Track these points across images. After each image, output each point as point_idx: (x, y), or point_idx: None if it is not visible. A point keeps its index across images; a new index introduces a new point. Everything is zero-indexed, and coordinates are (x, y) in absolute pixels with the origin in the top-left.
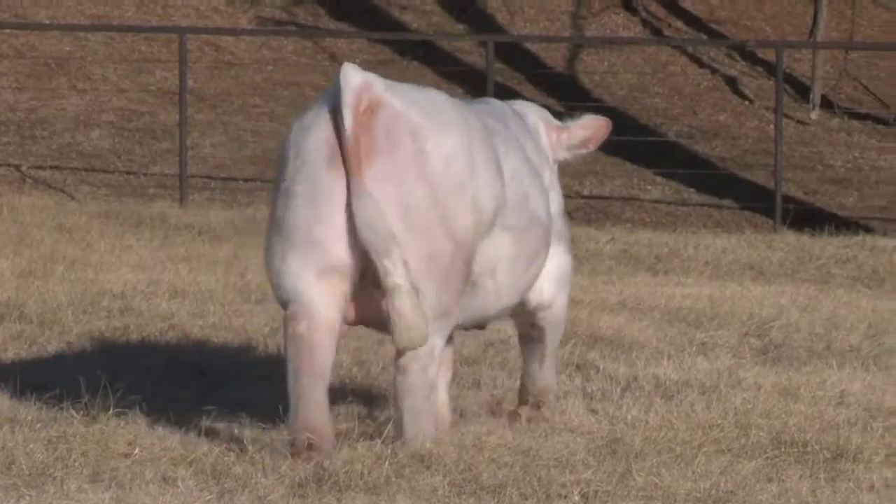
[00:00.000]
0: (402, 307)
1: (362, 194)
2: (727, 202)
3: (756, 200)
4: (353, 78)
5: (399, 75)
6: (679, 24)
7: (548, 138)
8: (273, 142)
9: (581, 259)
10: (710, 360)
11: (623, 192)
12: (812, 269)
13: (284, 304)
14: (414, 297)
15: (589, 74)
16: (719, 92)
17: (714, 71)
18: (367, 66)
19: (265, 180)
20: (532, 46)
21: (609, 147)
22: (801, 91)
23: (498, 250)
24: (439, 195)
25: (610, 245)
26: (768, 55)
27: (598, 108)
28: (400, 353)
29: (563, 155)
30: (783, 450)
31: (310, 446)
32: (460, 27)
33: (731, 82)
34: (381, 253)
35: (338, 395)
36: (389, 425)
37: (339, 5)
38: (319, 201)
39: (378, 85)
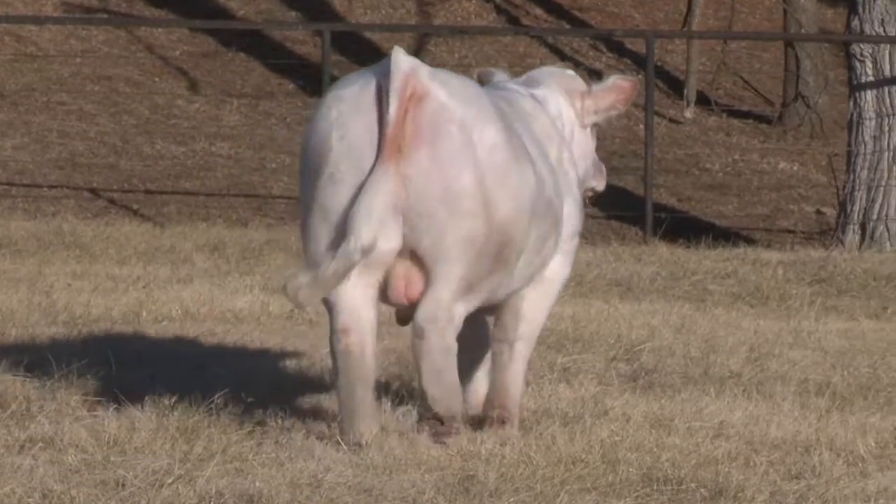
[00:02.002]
0: (329, 286)
1: (384, 178)
2: (591, 211)
3: (624, 209)
4: (403, 64)
5: (224, 68)
6: (538, 11)
7: (572, 108)
8: (82, 144)
9: None
10: (573, 387)
11: None
12: (687, 286)
13: (329, 304)
14: (325, 291)
15: (436, 67)
16: None
17: (578, 64)
18: (189, 58)
19: (72, 187)
20: (373, 36)
21: None
22: (675, 86)
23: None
24: (486, 183)
25: None
26: (638, 46)
27: None
28: (418, 316)
29: (592, 119)
30: (655, 487)
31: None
32: (292, 14)
33: (597, 76)
34: (356, 237)
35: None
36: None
37: None
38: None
39: (423, 73)
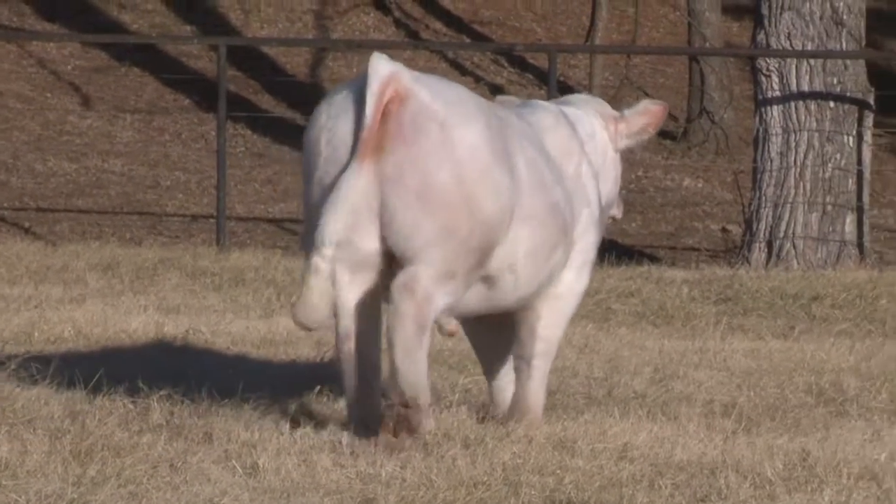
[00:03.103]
0: (313, 286)
1: (357, 175)
2: None
3: None
4: (381, 67)
5: (118, 83)
6: (438, 25)
7: (606, 132)
8: None
9: None
10: (474, 408)
11: None
12: (590, 305)
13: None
14: (328, 284)
15: (334, 82)
16: None
17: (478, 79)
18: (81, 73)
19: None
20: (270, 50)
21: None
22: None
23: (516, 240)
24: (466, 180)
25: None
26: (540, 61)
27: None
28: (393, 284)
29: (625, 143)
30: None
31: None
32: (188, 29)
33: (498, 92)
34: (327, 231)
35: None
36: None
37: (48, 4)
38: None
39: (405, 76)
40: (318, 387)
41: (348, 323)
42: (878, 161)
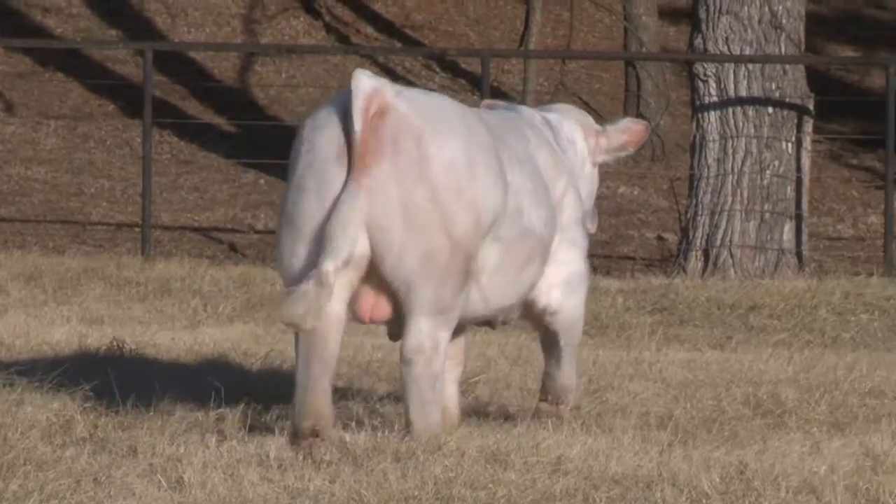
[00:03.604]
0: (313, 291)
1: (354, 193)
2: None
3: None
4: (365, 83)
5: (41, 89)
6: (369, 29)
7: (586, 143)
8: None
9: (254, 304)
10: (396, 421)
11: None
12: None
13: None
14: (328, 293)
15: (263, 88)
16: None
17: (411, 84)
18: (4, 79)
19: None
20: (197, 55)
21: (285, 173)
22: None
23: (484, 258)
24: (439, 197)
25: None
26: (473, 66)
27: (274, 126)
28: (404, 347)
29: (603, 158)
30: None
31: (314, 433)
32: (113, 33)
33: None
34: (333, 248)
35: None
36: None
37: None
38: (327, 196)
39: (388, 91)
40: (246, 398)
41: (320, 322)
42: (818, 168)
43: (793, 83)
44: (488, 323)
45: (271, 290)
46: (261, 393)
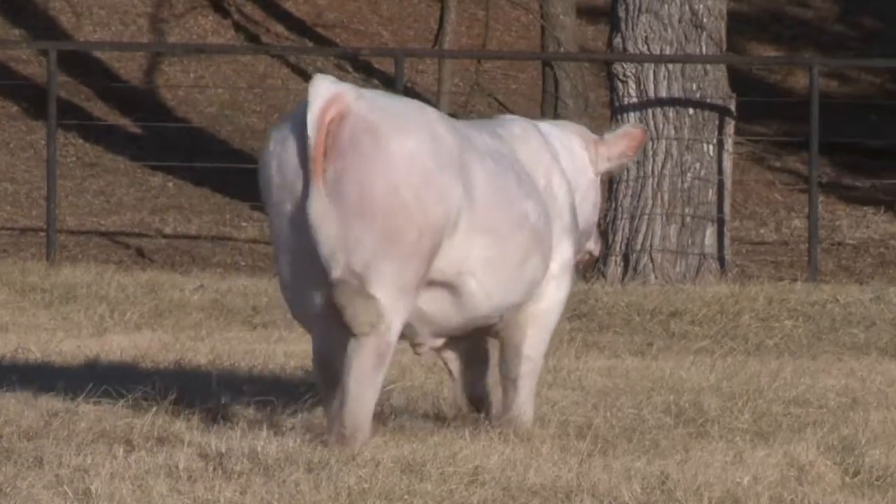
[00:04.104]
0: (350, 301)
1: (317, 196)
2: None
3: None
4: (322, 88)
5: None
6: (280, 28)
7: (586, 153)
8: None
9: (163, 311)
10: (308, 431)
11: (213, 230)
12: None
13: (304, 325)
14: (363, 292)
15: (171, 89)
16: None
17: None
18: None
19: None
20: (103, 55)
21: (194, 175)
22: None
23: (472, 253)
24: (401, 186)
25: (198, 294)
26: (386, 66)
27: (183, 128)
28: (356, 323)
29: (605, 166)
30: None
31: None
32: (16, 32)
33: None
34: (327, 255)
35: None
36: None
37: None
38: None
39: (349, 95)
40: (155, 408)
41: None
42: (740, 170)
43: (714, 83)
44: (487, 331)
45: (180, 296)
46: (169, 402)
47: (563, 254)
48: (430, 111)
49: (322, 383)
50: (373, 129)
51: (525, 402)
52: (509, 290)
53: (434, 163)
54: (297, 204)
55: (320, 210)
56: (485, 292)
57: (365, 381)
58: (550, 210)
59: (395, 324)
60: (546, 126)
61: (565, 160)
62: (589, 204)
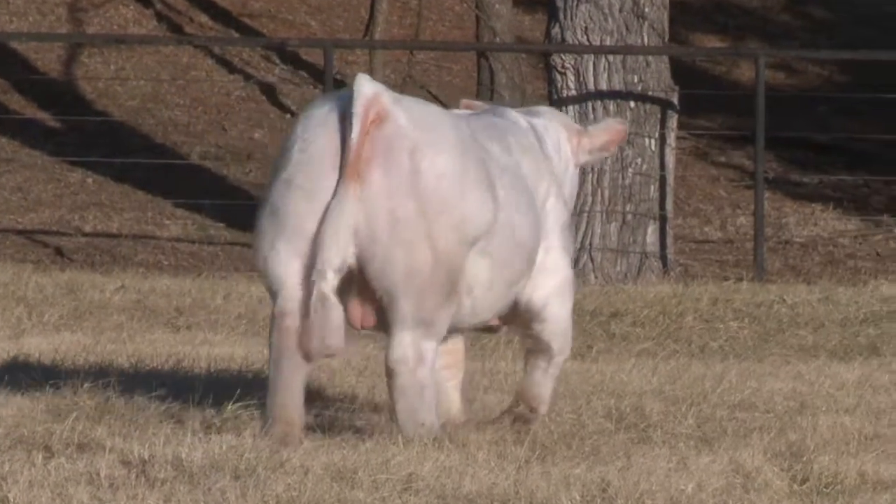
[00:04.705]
0: (319, 318)
1: (345, 199)
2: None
3: None
4: (366, 88)
5: None
6: (203, 18)
7: (569, 144)
8: None
9: (83, 312)
10: (246, 436)
11: (135, 228)
12: None
13: (271, 292)
14: (337, 311)
15: (91, 81)
16: (254, 103)
17: (248, 77)
18: None
19: None
20: (20, 46)
21: (115, 171)
22: None
23: (475, 273)
24: (427, 212)
25: (119, 294)
26: (315, 57)
27: (103, 121)
28: (388, 357)
29: (585, 158)
30: None
31: (284, 438)
32: None
33: (270, 91)
34: (326, 259)
35: None
36: None
37: None
38: (318, 198)
39: (386, 98)
40: (75, 413)
41: (285, 303)
42: (683, 166)
43: (656, 76)
44: (489, 329)
45: (101, 297)
46: (90, 407)
47: (562, 269)
48: (459, 121)
49: (286, 362)
50: (411, 146)
51: (552, 381)
52: (493, 307)
53: (464, 185)
54: (309, 188)
55: (347, 212)
56: (473, 309)
57: (416, 415)
58: (550, 223)
59: (427, 354)
60: (540, 123)
61: (556, 163)
62: (571, 196)
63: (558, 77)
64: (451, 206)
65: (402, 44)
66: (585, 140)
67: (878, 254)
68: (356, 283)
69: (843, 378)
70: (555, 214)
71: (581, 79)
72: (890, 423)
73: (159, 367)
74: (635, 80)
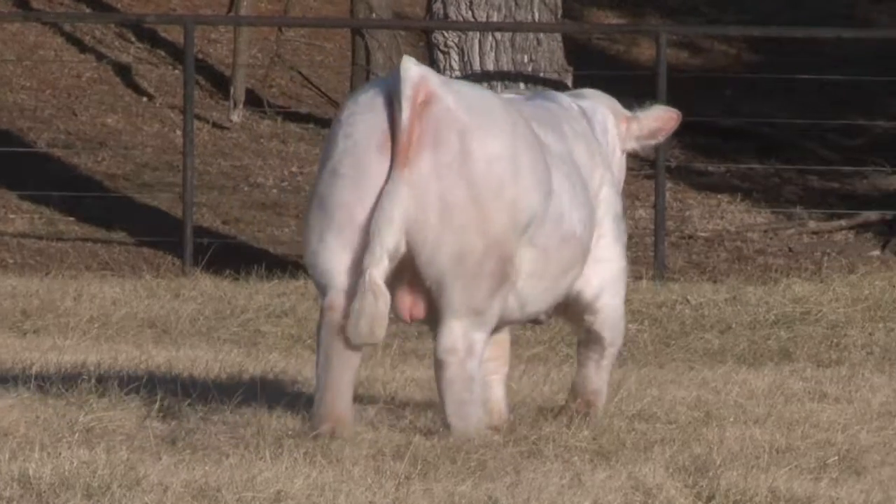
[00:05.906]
0: (369, 305)
1: (399, 184)
2: (119, 236)
3: (158, 233)
4: (413, 71)
5: None
6: None
7: (617, 129)
8: None
9: None
10: (99, 451)
11: None
12: (235, 326)
13: (319, 286)
14: (385, 299)
15: None
16: (108, 85)
17: (101, 56)
18: None
19: None
20: None
21: None
22: (220, 83)
23: (520, 263)
24: (479, 196)
25: None
26: (174, 35)
27: None
28: (437, 347)
29: (632, 145)
30: None
31: (332, 435)
32: None
33: (124, 72)
34: (378, 245)
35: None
36: None
37: None
38: (365, 185)
39: (434, 79)
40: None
41: (335, 296)
42: None
43: (548, 55)
44: (535, 320)
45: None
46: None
47: (615, 260)
48: (510, 105)
49: (336, 359)
50: (460, 128)
51: (607, 373)
52: (542, 300)
53: (516, 169)
54: (357, 176)
55: (399, 198)
56: (518, 303)
57: (464, 408)
58: (597, 214)
59: (476, 345)
60: (588, 105)
61: (607, 150)
62: (618, 181)
63: (441, 56)
64: (503, 190)
65: (270, 20)
66: (634, 125)
67: (790, 250)
68: (406, 272)
69: (752, 386)
70: (607, 203)
71: (466, 58)
72: (803, 435)
73: (3, 376)
74: (525, 60)
